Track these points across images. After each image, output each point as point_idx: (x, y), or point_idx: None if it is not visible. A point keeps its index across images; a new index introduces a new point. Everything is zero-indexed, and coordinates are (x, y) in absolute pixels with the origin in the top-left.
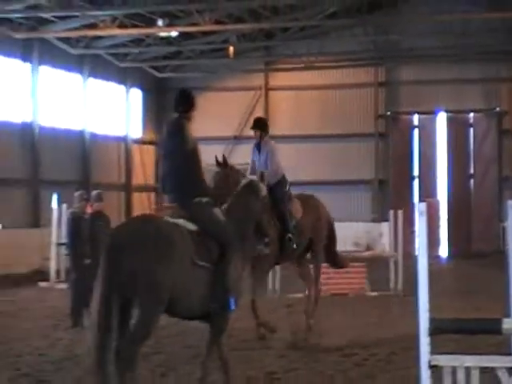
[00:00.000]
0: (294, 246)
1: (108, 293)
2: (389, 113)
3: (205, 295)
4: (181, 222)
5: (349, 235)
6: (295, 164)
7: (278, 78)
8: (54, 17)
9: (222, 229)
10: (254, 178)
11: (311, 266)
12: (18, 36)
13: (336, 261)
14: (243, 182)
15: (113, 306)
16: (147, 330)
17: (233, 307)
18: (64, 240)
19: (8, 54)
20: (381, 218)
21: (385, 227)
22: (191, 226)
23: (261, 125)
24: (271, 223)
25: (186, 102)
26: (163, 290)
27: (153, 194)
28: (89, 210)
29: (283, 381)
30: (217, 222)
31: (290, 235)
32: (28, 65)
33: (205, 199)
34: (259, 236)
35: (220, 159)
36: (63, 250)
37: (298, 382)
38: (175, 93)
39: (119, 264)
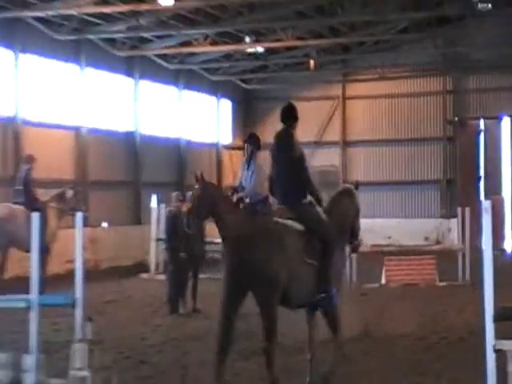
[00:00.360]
0: None
1: (231, 287)
2: (456, 118)
3: (311, 288)
4: (289, 222)
5: (420, 230)
6: (371, 166)
7: (355, 88)
8: (153, 36)
9: (325, 228)
10: (349, 186)
11: None
12: (122, 54)
13: None
14: (340, 187)
15: (235, 298)
16: (274, 318)
17: (336, 299)
18: (162, 236)
19: (113, 70)
20: (449, 214)
21: (453, 223)
22: (299, 227)
23: (253, 141)
24: None
25: (291, 115)
26: (280, 284)
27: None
28: (184, 208)
29: (360, 363)
30: (321, 222)
31: None
32: (130, 79)
33: (309, 200)
34: (352, 237)
35: (198, 176)
36: (161, 245)
37: (374, 364)
38: (282, 107)
39: (239, 262)
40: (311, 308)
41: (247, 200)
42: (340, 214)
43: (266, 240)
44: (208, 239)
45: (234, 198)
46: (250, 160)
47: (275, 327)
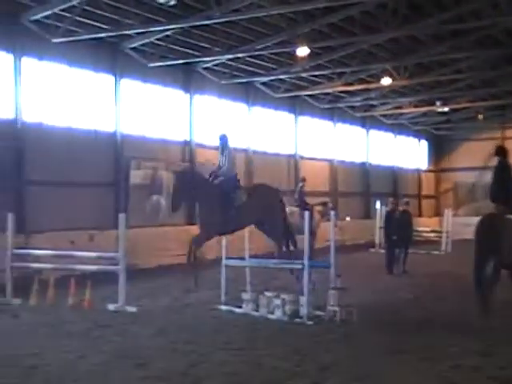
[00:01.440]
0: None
1: (479, 255)
2: None
3: None
4: (509, 216)
5: None
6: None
7: (511, 132)
8: (378, 102)
9: None
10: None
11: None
12: (358, 114)
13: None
14: None
15: (481, 259)
16: (498, 269)
17: None
18: (382, 225)
19: (352, 124)
20: None
21: None
22: None
23: (223, 138)
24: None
25: (504, 152)
26: (507, 253)
27: (433, 200)
28: (400, 208)
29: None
30: None
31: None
32: (364, 130)
33: None
34: None
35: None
36: (382, 231)
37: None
38: (496, 146)
39: (483, 239)
40: None
41: (221, 177)
42: None
43: (497, 227)
44: (414, 228)
45: (212, 178)
46: (223, 149)
47: (498, 276)
